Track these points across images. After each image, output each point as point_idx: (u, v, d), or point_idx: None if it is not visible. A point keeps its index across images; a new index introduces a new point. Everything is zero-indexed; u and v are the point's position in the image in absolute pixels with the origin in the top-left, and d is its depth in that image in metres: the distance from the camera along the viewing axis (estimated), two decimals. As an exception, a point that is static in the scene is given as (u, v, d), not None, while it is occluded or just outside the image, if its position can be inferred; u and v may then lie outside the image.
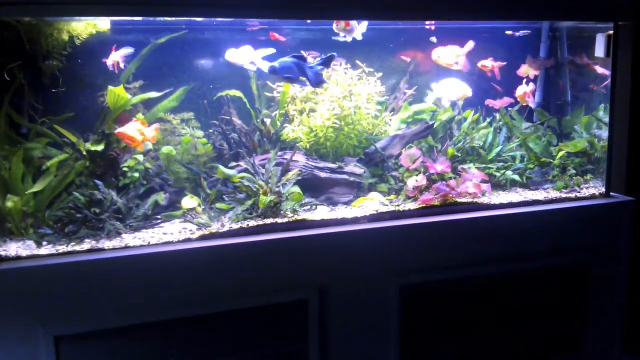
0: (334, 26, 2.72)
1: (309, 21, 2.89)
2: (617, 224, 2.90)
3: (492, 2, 2.61)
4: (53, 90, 2.57)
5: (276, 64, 2.54)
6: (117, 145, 2.57)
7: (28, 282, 2.12)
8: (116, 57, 2.57)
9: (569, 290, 2.91)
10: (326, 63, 2.63)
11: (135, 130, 2.48)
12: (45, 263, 2.14)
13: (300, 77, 2.56)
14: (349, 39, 2.77)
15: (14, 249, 2.26)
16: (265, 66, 2.63)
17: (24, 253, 2.21)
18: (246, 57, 2.65)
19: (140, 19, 2.55)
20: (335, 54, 2.64)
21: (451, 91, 3.11)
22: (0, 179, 2.34)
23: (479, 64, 3.13)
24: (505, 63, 3.15)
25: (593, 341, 2.98)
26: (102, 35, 2.61)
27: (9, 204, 2.33)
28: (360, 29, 2.76)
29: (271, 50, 2.71)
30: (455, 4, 2.57)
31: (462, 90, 3.10)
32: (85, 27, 2.56)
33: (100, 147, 2.51)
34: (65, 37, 2.54)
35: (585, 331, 2.96)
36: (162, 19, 2.58)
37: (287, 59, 2.55)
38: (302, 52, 2.73)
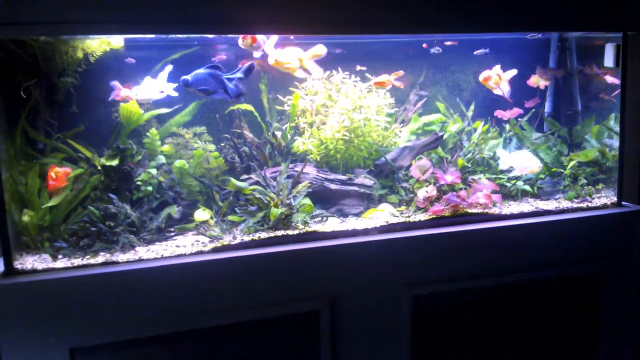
0: (240, 41, 2.60)
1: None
2: (629, 233, 2.89)
3: (501, 13, 2.62)
4: (71, 109, 2.61)
5: (189, 76, 2.44)
6: (131, 159, 2.61)
7: (43, 295, 2.15)
8: (128, 93, 2.61)
9: (582, 300, 2.89)
10: (246, 73, 2.52)
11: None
12: (60, 276, 2.18)
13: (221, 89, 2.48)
14: (256, 55, 2.65)
15: (30, 262, 2.30)
16: (171, 88, 2.55)
17: (39, 266, 2.25)
18: (152, 89, 2.56)
19: (152, 36, 2.60)
20: (254, 63, 2.53)
21: (523, 165, 2.98)
22: (16, 193, 2.39)
23: (374, 83, 3.00)
24: (401, 73, 3.01)
25: (607, 349, 2.95)
26: (115, 52, 2.66)
27: (25, 218, 2.38)
28: (268, 45, 2.65)
29: (169, 68, 2.62)
30: (465, 16, 2.59)
31: (534, 164, 2.97)
32: (99, 44, 2.62)
33: (114, 162, 2.55)
34: (80, 54, 2.60)
35: (599, 340, 2.94)
36: (174, 36, 2.63)
37: (201, 71, 2.46)
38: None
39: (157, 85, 2.57)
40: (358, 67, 3.04)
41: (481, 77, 3.06)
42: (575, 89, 3.48)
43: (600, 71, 3.26)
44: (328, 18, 2.38)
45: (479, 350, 2.77)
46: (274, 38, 2.66)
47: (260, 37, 2.60)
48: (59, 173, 2.45)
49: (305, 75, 2.77)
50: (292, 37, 2.76)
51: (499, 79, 3.03)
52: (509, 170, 3.02)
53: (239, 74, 2.51)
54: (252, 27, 2.36)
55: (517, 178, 3.05)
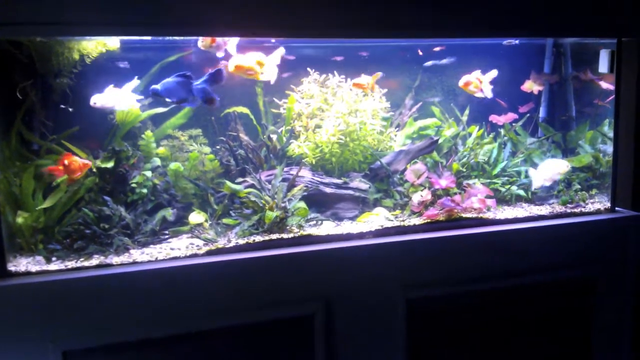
0: (199, 42, 2.57)
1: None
2: (622, 238, 2.90)
3: (496, 19, 2.63)
4: (62, 106, 2.59)
5: (158, 86, 2.40)
6: (126, 161, 2.61)
7: (37, 298, 2.14)
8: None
9: (576, 304, 2.90)
10: (215, 78, 2.47)
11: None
12: (54, 278, 2.17)
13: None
14: (219, 54, 2.60)
15: (24, 264, 2.29)
16: (134, 99, 2.53)
17: (33, 268, 2.24)
18: (113, 98, 2.53)
19: (148, 38, 2.59)
20: (222, 68, 2.49)
21: (551, 172, 3.01)
22: (11, 195, 2.38)
23: (353, 84, 2.97)
24: (381, 74, 2.99)
25: (602, 354, 2.96)
26: (111, 53, 2.66)
27: (19, 220, 2.37)
28: (230, 45, 2.60)
29: (135, 82, 2.59)
30: (459, 20, 2.60)
31: (561, 167, 3.01)
32: (95, 45, 2.61)
33: (109, 164, 2.54)
34: (76, 55, 2.59)
35: (594, 345, 2.95)
36: (170, 37, 2.63)
37: (170, 80, 2.42)
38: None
39: (119, 95, 2.54)
40: (362, 76, 3.05)
41: (461, 82, 3.05)
42: (569, 94, 3.50)
43: (594, 77, 3.28)
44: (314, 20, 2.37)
45: (474, 353, 2.78)
46: (235, 38, 2.60)
47: (220, 38, 2.55)
48: (75, 163, 2.42)
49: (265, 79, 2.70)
50: (273, 40, 2.74)
51: (479, 83, 3.03)
52: (543, 185, 3.05)
53: (206, 80, 2.47)
54: (213, 29, 2.34)
55: (570, 185, 3.09)
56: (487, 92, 3.03)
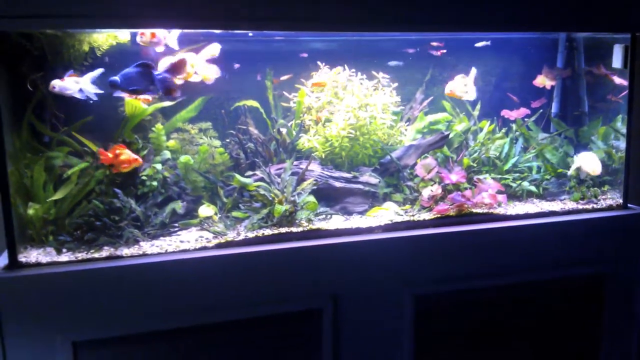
0: (138, 38, 2.48)
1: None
2: (634, 235, 2.88)
3: (508, 13, 2.61)
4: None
5: (117, 77, 2.33)
6: (137, 154, 2.61)
7: (47, 289, 2.16)
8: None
9: (586, 301, 2.89)
10: (176, 69, 2.42)
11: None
12: (64, 270, 2.18)
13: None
14: (159, 49, 2.54)
15: (34, 255, 2.30)
16: (91, 89, 2.48)
17: (43, 260, 2.26)
18: (71, 85, 2.46)
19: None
20: (185, 58, 2.44)
21: (591, 168, 3.00)
22: (22, 186, 2.39)
23: (312, 84, 2.95)
24: (341, 68, 2.97)
25: (611, 353, 2.95)
26: (122, 46, 2.66)
27: (30, 211, 2.38)
28: (170, 40, 2.53)
29: (99, 71, 2.52)
30: (469, 15, 2.57)
31: (595, 167, 3.00)
32: (106, 38, 2.61)
33: (119, 156, 2.55)
34: (86, 48, 2.59)
35: (603, 344, 2.93)
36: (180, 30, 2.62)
37: (130, 70, 2.35)
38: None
39: (77, 83, 2.50)
40: (381, 75, 3.06)
41: (447, 90, 3.03)
42: (582, 89, 3.47)
43: (608, 72, 3.24)
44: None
45: (482, 349, 2.77)
46: (175, 32, 2.54)
47: (160, 33, 2.49)
48: (126, 156, 2.44)
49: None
50: (252, 34, 2.72)
51: (464, 87, 3.00)
52: (577, 174, 3.04)
53: (166, 71, 2.43)
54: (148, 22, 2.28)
55: (583, 182, 3.06)
56: (472, 93, 3.03)
